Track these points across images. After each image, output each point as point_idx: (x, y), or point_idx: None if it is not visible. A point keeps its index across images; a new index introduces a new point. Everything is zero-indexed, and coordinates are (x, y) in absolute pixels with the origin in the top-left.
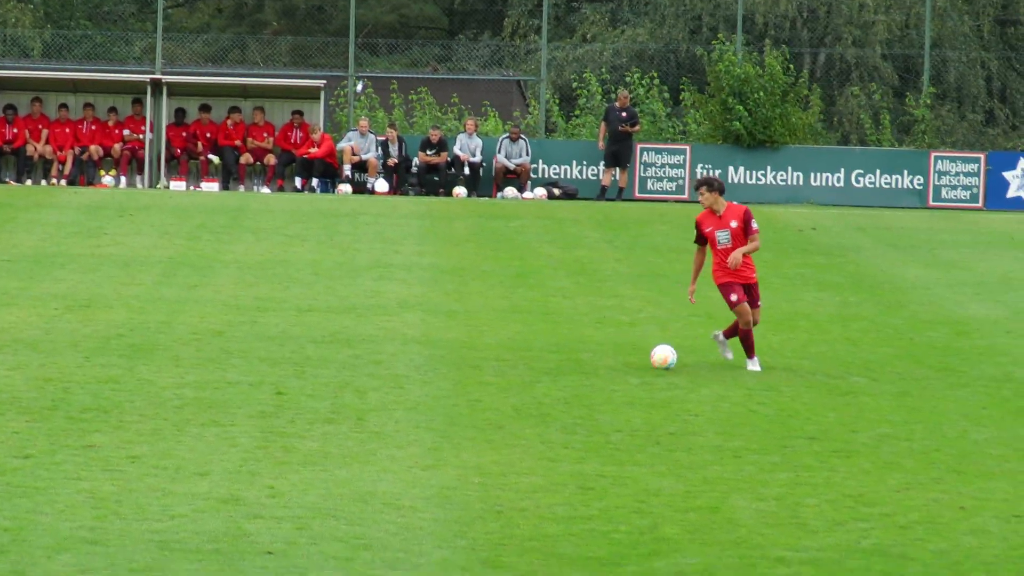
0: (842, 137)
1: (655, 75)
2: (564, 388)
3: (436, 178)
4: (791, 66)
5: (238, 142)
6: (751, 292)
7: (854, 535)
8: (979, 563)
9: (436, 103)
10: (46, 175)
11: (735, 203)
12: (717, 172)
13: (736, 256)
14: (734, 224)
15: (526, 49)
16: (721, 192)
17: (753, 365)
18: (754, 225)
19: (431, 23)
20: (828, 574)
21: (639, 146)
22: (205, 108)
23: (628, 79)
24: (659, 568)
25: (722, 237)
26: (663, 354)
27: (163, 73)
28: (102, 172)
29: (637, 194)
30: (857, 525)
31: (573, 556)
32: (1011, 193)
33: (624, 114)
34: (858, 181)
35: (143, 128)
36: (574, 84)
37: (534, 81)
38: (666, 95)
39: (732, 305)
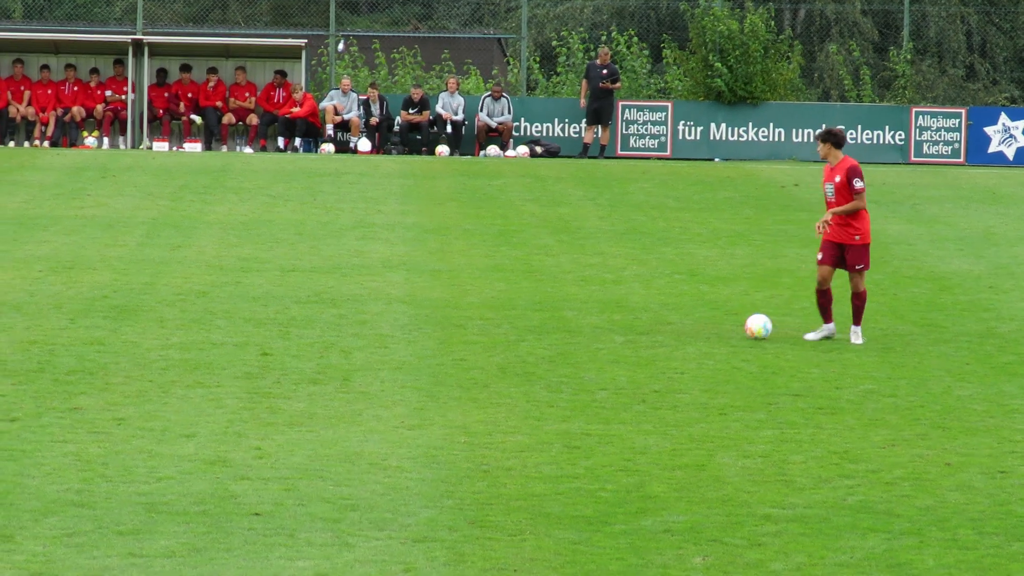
0: (823, 93)
1: (633, 32)
2: (549, 346)
3: (418, 137)
4: (772, 23)
5: (219, 102)
6: (846, 254)
7: (840, 492)
8: (966, 519)
9: (418, 62)
10: (28, 137)
11: (848, 157)
12: (699, 129)
13: (824, 217)
14: (838, 179)
15: (507, 7)
16: (836, 144)
17: (814, 334)
18: (857, 184)
19: None
20: (814, 531)
21: (620, 103)
22: (186, 68)
23: (612, 35)
24: (646, 526)
25: (828, 190)
26: (758, 323)
27: (144, 33)
28: (84, 133)
29: (619, 151)
30: (843, 482)
31: (560, 515)
32: (992, 148)
33: (605, 71)
34: None
35: (125, 89)
36: (554, 42)
37: (515, 39)
38: (647, 52)
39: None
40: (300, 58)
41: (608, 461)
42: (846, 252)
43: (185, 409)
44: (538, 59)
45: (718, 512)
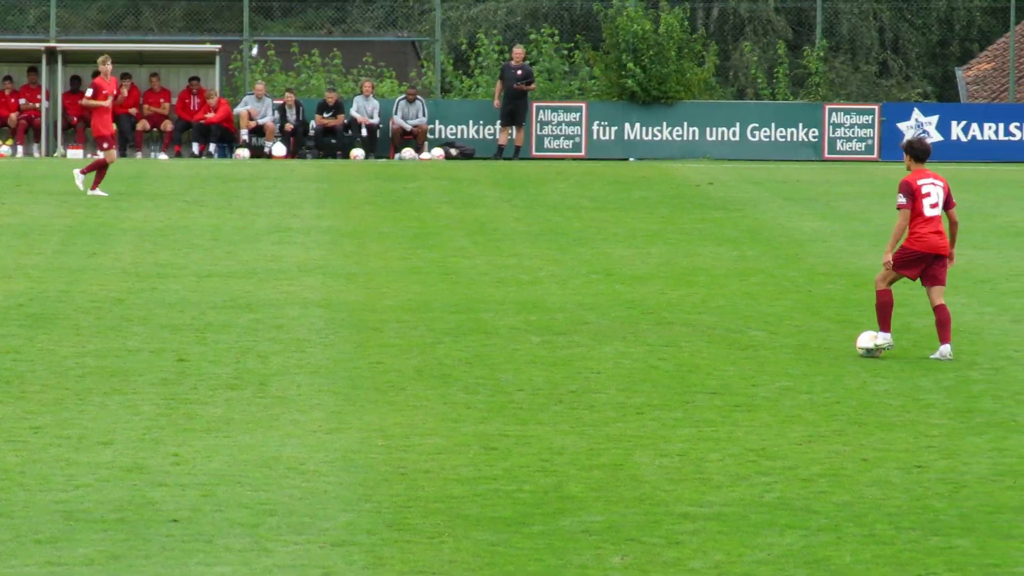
0: (737, 91)
1: (556, 31)
2: (465, 348)
3: (333, 141)
4: (687, 22)
5: (134, 109)
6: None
7: (757, 489)
8: (883, 514)
9: (335, 65)
10: None
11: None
12: (613, 129)
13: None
14: None
15: (420, 10)
16: (912, 158)
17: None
18: (898, 199)
19: None
20: (732, 529)
21: (535, 104)
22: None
23: (532, 35)
24: (564, 526)
25: None
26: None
27: (58, 41)
28: None
29: (534, 152)
30: (760, 479)
31: (478, 516)
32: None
33: (519, 72)
34: (753, 135)
35: (39, 97)
36: (462, 45)
37: (429, 41)
38: (567, 52)
39: None
40: (214, 64)
41: (526, 462)
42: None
43: (102, 416)
44: (452, 61)
45: (636, 511)
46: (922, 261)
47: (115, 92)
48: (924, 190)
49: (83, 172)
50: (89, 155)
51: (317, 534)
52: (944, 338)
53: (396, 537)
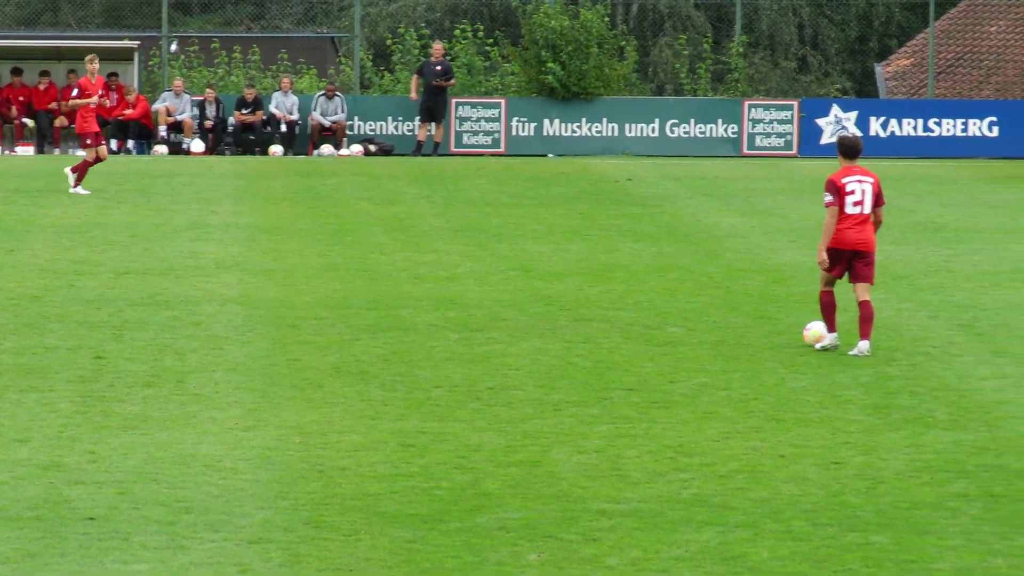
0: (657, 87)
1: (480, 27)
2: (383, 345)
3: (252, 137)
4: (606, 18)
5: (52, 105)
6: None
7: (675, 486)
8: (800, 510)
9: (254, 62)
10: None
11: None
12: (533, 125)
13: None
14: None
15: (340, 6)
16: (841, 154)
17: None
18: (825, 197)
19: None
20: (649, 525)
21: (454, 100)
22: (17, 72)
23: (454, 32)
24: (481, 523)
25: None
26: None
27: None
28: None
29: (453, 148)
30: (678, 475)
31: (395, 514)
32: (825, 140)
33: (439, 68)
34: (673, 131)
35: None
36: (387, 40)
37: (348, 37)
38: (486, 48)
39: None
40: (133, 60)
41: (443, 459)
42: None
43: (18, 414)
44: (372, 57)
45: (553, 508)
46: (841, 258)
47: (101, 92)
48: (848, 187)
49: (73, 171)
50: (7, 152)
51: (234, 531)
52: (864, 334)
53: (313, 534)
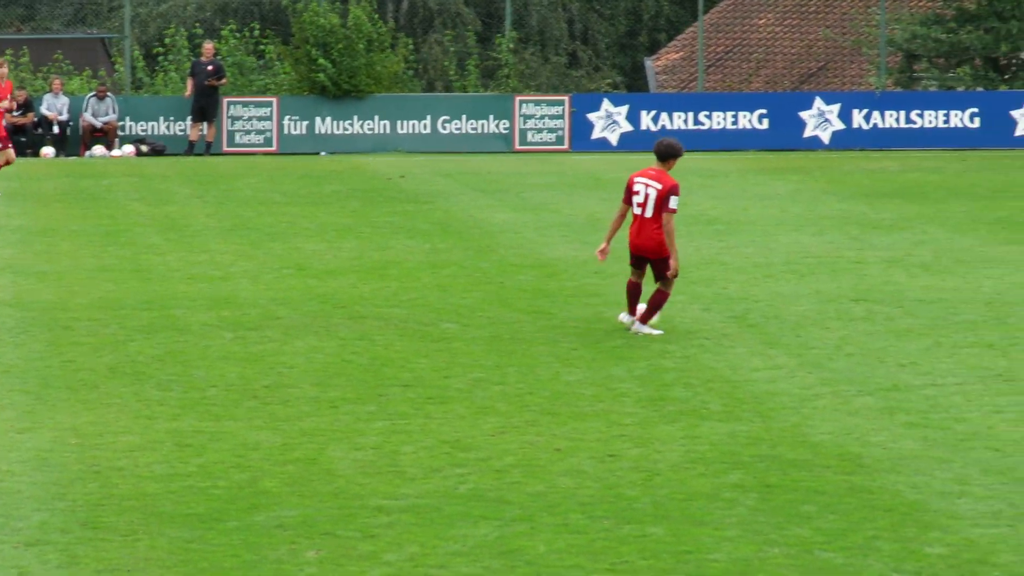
0: (428, 84)
1: (247, 26)
2: (158, 345)
3: (23, 139)
4: (377, 16)
5: None
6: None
7: (451, 481)
8: (576, 503)
9: (24, 64)
10: None
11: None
12: (305, 123)
13: None
14: None
15: (109, 6)
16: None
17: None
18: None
19: None
20: (427, 521)
21: (226, 100)
22: None
23: (224, 32)
24: (259, 522)
25: None
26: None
27: None
28: None
29: (226, 148)
30: (454, 471)
31: (172, 513)
32: (596, 134)
33: (210, 68)
34: (444, 127)
35: None
36: (166, 39)
37: (118, 38)
38: (257, 47)
39: None
40: None
41: (220, 458)
42: None
43: None
44: (143, 58)
45: (331, 505)
46: (635, 259)
47: (8, 95)
48: (636, 188)
49: None
50: None
51: (11, 534)
52: (632, 311)
53: (90, 536)
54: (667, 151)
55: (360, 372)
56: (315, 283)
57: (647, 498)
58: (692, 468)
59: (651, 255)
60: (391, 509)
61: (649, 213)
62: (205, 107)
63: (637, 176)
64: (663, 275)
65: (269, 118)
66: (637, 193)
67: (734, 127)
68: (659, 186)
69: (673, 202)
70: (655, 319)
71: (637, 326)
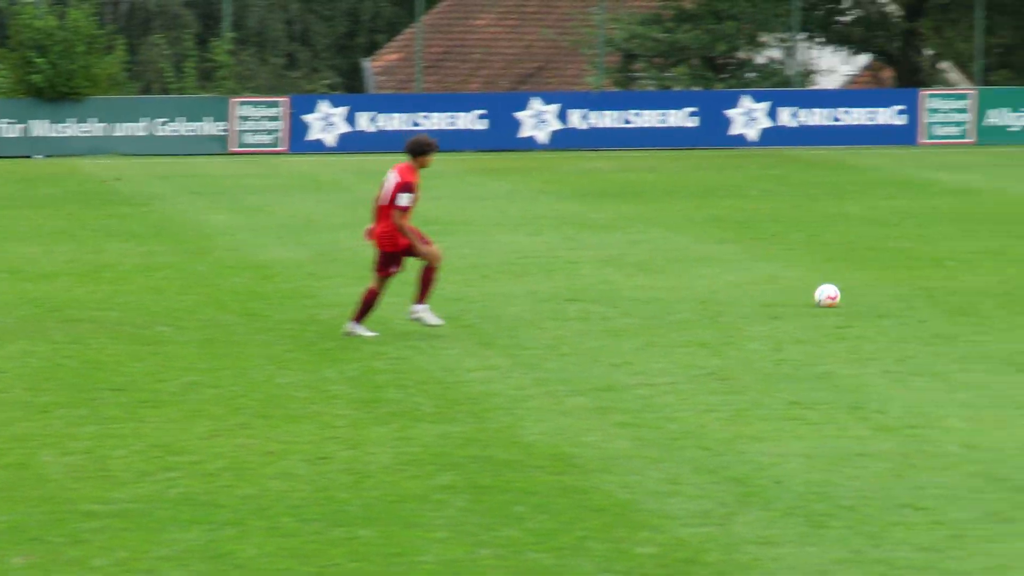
0: (145, 86)
1: None
2: None
3: None
4: (94, 17)
5: None
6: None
7: (162, 485)
8: (287, 507)
9: None
10: None
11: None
12: (20, 126)
13: None
14: None
15: None
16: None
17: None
18: None
19: None
20: (137, 525)
21: None
22: None
23: None
24: None
25: None
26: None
27: None
28: None
29: None
30: (165, 475)
31: None
32: (312, 136)
33: None
34: (161, 130)
35: None
36: None
37: None
38: None
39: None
40: None
41: None
42: None
43: None
44: None
45: (40, 510)
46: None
47: None
48: (384, 180)
49: None
50: None
51: None
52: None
53: None
54: (410, 147)
55: (72, 376)
56: (29, 287)
57: (358, 500)
58: (404, 470)
59: (380, 246)
60: (101, 514)
61: (385, 203)
62: None
63: (389, 171)
64: (384, 268)
65: None
66: (382, 185)
67: (452, 127)
68: (393, 180)
69: (401, 199)
70: (366, 319)
71: (351, 326)
